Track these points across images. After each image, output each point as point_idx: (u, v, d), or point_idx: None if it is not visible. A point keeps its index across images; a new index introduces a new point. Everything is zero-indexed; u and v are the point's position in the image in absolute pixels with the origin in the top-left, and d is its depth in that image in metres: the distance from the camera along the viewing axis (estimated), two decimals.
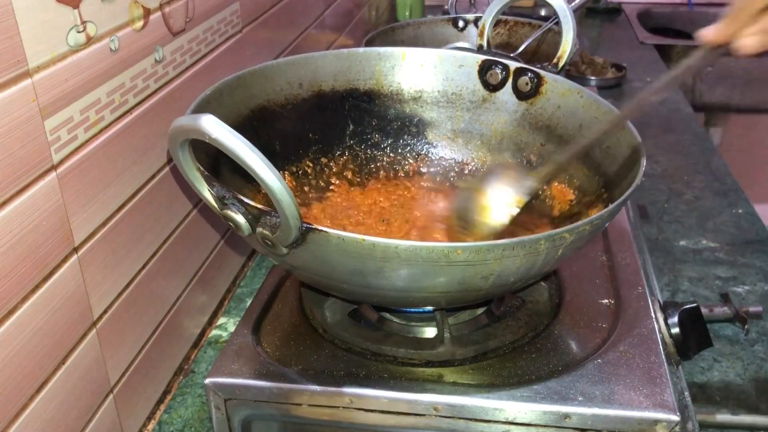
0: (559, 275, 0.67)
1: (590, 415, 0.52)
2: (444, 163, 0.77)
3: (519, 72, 0.73)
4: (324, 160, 0.74)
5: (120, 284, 0.60)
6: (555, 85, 0.71)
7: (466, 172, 0.76)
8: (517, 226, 0.67)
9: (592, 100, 0.67)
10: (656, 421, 0.51)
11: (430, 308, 0.62)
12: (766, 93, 1.82)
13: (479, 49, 0.92)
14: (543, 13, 1.81)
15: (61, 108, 0.50)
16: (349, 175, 0.75)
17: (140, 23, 0.59)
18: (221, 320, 0.80)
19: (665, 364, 0.56)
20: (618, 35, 1.86)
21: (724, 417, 0.67)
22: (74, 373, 0.54)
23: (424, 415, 0.54)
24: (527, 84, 0.72)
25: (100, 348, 0.57)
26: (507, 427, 0.53)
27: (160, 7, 0.62)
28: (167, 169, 0.66)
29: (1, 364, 0.46)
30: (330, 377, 0.56)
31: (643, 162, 0.56)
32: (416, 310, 0.63)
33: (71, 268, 0.53)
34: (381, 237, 0.46)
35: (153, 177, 0.64)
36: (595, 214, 0.50)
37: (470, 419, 0.54)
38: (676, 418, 0.51)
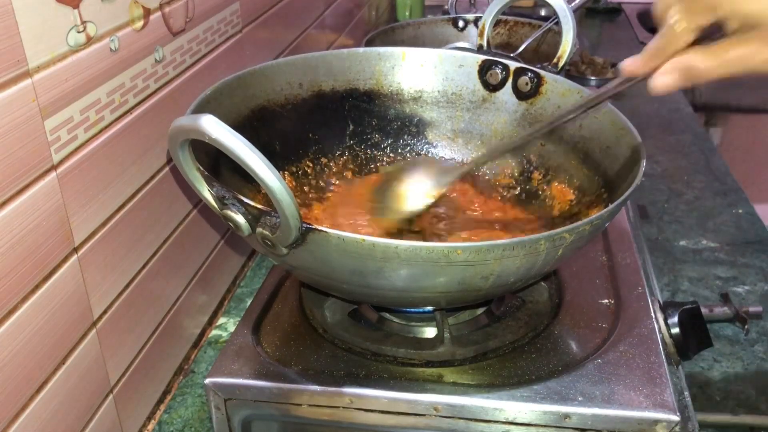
0: (559, 275, 0.67)
1: (590, 415, 0.52)
2: (444, 163, 0.77)
3: (519, 72, 0.73)
4: (324, 160, 0.74)
5: (120, 284, 0.60)
6: (555, 85, 0.71)
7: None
8: (510, 226, 0.67)
9: None
10: (656, 421, 0.51)
11: (430, 308, 0.62)
12: (766, 93, 1.82)
13: (479, 49, 0.92)
14: (543, 13, 1.81)
15: (61, 108, 0.50)
16: (349, 175, 0.75)
17: (140, 23, 0.59)
18: (221, 320, 0.80)
19: (665, 364, 0.56)
20: (618, 35, 1.86)
21: (724, 417, 0.67)
22: (74, 373, 0.54)
23: (424, 415, 0.54)
24: (527, 84, 0.72)
25: (100, 348, 0.57)
26: (507, 427, 0.53)
27: (160, 7, 0.62)
28: (167, 169, 0.66)
29: (1, 364, 0.46)
30: (330, 377, 0.56)
31: (643, 162, 0.56)
32: (416, 310, 0.63)
33: (71, 268, 0.53)
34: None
35: (153, 177, 0.64)
36: (595, 214, 0.50)
37: (470, 419, 0.54)
38: (676, 418, 0.51)
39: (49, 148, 0.49)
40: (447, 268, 0.48)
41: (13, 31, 0.44)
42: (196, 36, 0.70)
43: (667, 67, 0.46)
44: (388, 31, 1.19)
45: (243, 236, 0.49)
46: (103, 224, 0.57)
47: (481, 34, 0.93)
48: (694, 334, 0.63)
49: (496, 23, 1.21)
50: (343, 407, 0.55)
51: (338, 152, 0.75)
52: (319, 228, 0.46)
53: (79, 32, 0.51)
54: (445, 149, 0.77)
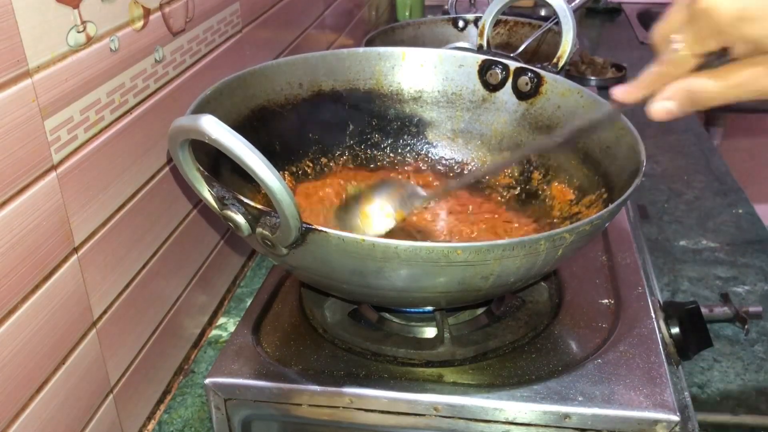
0: (559, 275, 0.67)
1: (590, 415, 0.52)
2: (444, 163, 0.77)
3: (519, 72, 0.73)
4: (324, 160, 0.74)
5: (120, 284, 0.60)
6: (555, 85, 0.71)
7: (466, 172, 0.76)
8: (514, 226, 0.67)
9: (592, 100, 0.67)
10: (656, 421, 0.51)
11: (430, 308, 0.62)
12: None
13: (479, 49, 0.92)
14: (543, 13, 1.81)
15: (61, 108, 0.50)
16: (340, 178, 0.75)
17: (140, 23, 0.59)
18: (221, 320, 0.80)
19: (665, 364, 0.56)
20: (618, 35, 1.86)
21: (724, 417, 0.67)
22: (74, 373, 0.54)
23: (424, 415, 0.54)
24: (527, 84, 0.72)
25: (100, 348, 0.57)
26: (507, 427, 0.53)
27: (160, 7, 0.62)
28: (167, 169, 0.66)
29: (1, 364, 0.46)
30: (330, 377, 0.56)
31: (643, 162, 0.56)
32: (416, 310, 0.63)
33: (71, 268, 0.53)
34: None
35: (153, 177, 0.64)
36: (595, 214, 0.50)
37: (470, 419, 0.54)
38: (676, 418, 0.51)
39: (49, 148, 0.49)
40: (447, 268, 0.48)
41: (13, 31, 0.44)
42: (196, 36, 0.70)
43: (669, 93, 0.44)
44: (388, 31, 1.19)
45: (243, 236, 0.49)
46: (103, 224, 0.57)
47: (481, 34, 0.93)
48: (694, 334, 0.63)
49: (496, 23, 1.21)
50: (343, 407, 0.55)
51: (338, 152, 0.75)
52: (319, 228, 0.46)
53: (79, 32, 0.51)
54: (445, 149, 0.77)
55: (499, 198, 0.73)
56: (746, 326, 0.75)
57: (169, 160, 0.66)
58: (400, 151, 0.77)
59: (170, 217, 0.68)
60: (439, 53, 0.76)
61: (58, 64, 0.49)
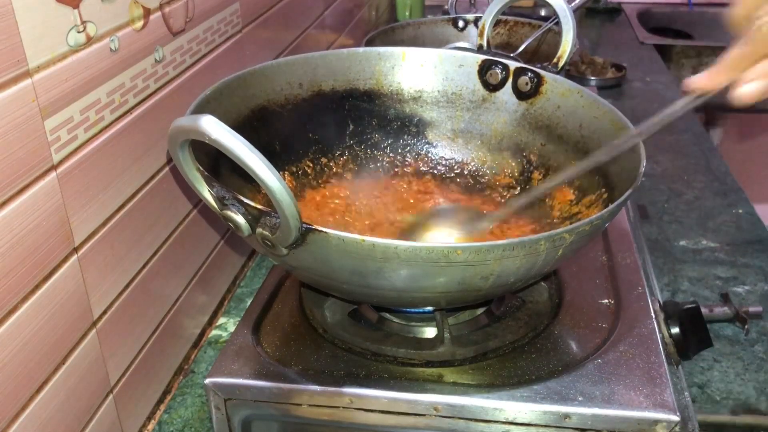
0: (559, 275, 0.67)
1: (590, 415, 0.52)
2: (444, 163, 0.77)
3: (519, 72, 0.73)
4: (324, 160, 0.74)
5: (120, 284, 0.60)
6: (555, 85, 0.71)
7: (466, 172, 0.76)
8: (514, 226, 0.67)
9: (592, 100, 0.67)
10: (656, 421, 0.51)
11: (430, 308, 0.62)
12: None
13: (479, 49, 0.92)
14: (543, 13, 1.81)
15: (61, 108, 0.50)
16: (349, 175, 0.75)
17: (140, 23, 0.59)
18: (221, 320, 0.80)
19: (665, 364, 0.56)
20: (618, 35, 1.86)
21: (724, 417, 0.67)
22: (74, 373, 0.54)
23: (424, 415, 0.54)
24: (527, 84, 0.72)
25: (100, 348, 0.57)
26: (507, 427, 0.53)
27: (160, 7, 0.62)
28: (167, 169, 0.66)
29: (1, 364, 0.46)
30: (330, 377, 0.56)
31: (643, 162, 0.56)
32: (416, 310, 0.63)
33: (71, 268, 0.53)
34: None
35: (153, 177, 0.64)
36: (595, 214, 0.50)
37: (470, 419, 0.54)
38: (676, 418, 0.51)
39: (49, 148, 0.49)
40: (447, 269, 0.48)
41: (13, 31, 0.44)
42: (196, 36, 0.70)
43: (755, 73, 0.43)
44: (388, 31, 1.19)
45: (243, 236, 0.49)
46: (103, 224, 0.57)
47: (481, 34, 0.92)
48: (694, 334, 0.63)
49: (496, 23, 1.21)
50: (343, 407, 0.55)
51: (338, 152, 0.75)
52: (319, 228, 0.46)
53: (79, 32, 0.51)
54: (445, 149, 0.77)
55: (499, 198, 0.73)
56: (746, 326, 0.75)
57: (169, 160, 0.66)
58: (400, 151, 0.77)
59: (170, 217, 0.68)
60: (439, 53, 0.76)
61: (58, 64, 0.49)
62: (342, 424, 0.56)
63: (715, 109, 1.86)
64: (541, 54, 1.15)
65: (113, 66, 0.56)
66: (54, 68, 0.49)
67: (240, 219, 0.48)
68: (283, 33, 0.97)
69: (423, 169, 0.77)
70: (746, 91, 0.44)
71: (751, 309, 0.75)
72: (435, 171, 0.77)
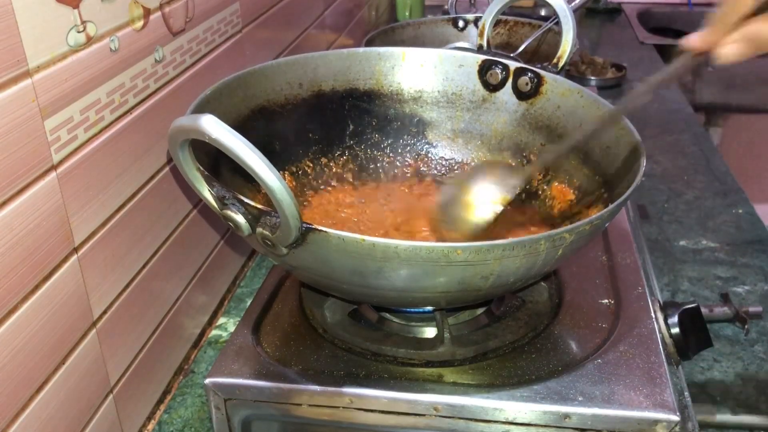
0: (559, 275, 0.67)
1: (590, 415, 0.52)
2: (444, 163, 0.77)
3: (519, 72, 0.73)
4: (324, 160, 0.74)
5: (120, 284, 0.60)
6: (555, 85, 0.71)
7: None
8: (514, 225, 0.67)
9: (592, 100, 0.67)
10: (656, 421, 0.51)
11: (430, 308, 0.62)
12: (766, 93, 1.82)
13: (479, 49, 0.92)
14: (543, 13, 1.81)
15: (61, 108, 0.50)
16: (349, 176, 0.75)
17: (140, 23, 0.59)
18: (221, 320, 0.80)
19: (665, 364, 0.56)
20: (618, 35, 1.86)
21: (724, 417, 0.67)
22: (74, 373, 0.54)
23: (424, 415, 0.54)
24: (527, 84, 0.72)
25: (100, 348, 0.57)
26: (507, 427, 0.53)
27: (160, 7, 0.62)
28: (167, 169, 0.66)
29: (1, 364, 0.46)
30: (330, 377, 0.56)
31: (643, 162, 0.56)
32: (416, 310, 0.63)
33: (71, 268, 0.53)
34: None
35: (153, 177, 0.64)
36: (595, 214, 0.50)
37: (470, 419, 0.54)
38: (676, 418, 0.51)
39: (49, 148, 0.49)
40: (447, 268, 0.48)
41: (13, 31, 0.44)
42: (196, 36, 0.70)
43: (735, 37, 0.45)
44: (388, 31, 1.19)
45: (243, 236, 0.49)
46: (103, 224, 0.57)
47: (481, 34, 0.93)
48: (694, 334, 0.63)
49: (496, 23, 1.21)
50: (343, 407, 0.55)
51: (338, 152, 0.75)
52: (319, 228, 0.46)
53: (79, 32, 0.51)
54: (445, 149, 0.77)
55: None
56: (746, 326, 0.75)
57: (169, 160, 0.66)
58: (400, 151, 0.77)
59: (170, 217, 0.68)
60: (439, 53, 0.76)
61: (58, 64, 0.49)
62: (342, 424, 0.56)
63: (715, 109, 1.86)
64: (541, 54, 1.15)
65: (113, 66, 0.56)
66: (54, 68, 0.49)
67: (240, 219, 0.48)
68: (283, 33, 0.97)
69: (423, 169, 0.77)
70: (725, 52, 0.46)
71: (751, 309, 0.75)
72: (435, 171, 0.77)
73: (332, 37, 1.24)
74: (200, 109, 0.59)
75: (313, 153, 0.73)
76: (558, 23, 0.82)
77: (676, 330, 0.63)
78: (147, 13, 0.60)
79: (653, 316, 0.61)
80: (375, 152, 0.77)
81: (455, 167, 0.77)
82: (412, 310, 0.64)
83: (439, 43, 1.22)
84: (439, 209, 0.65)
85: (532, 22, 1.22)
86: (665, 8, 2.05)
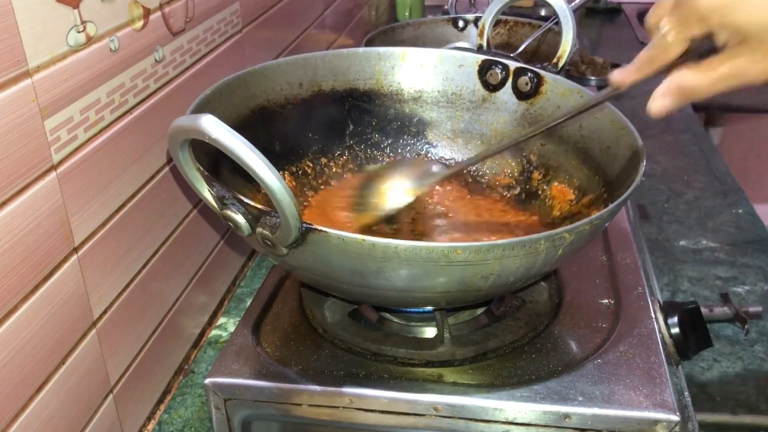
0: (559, 275, 0.67)
1: (590, 415, 0.52)
2: (444, 163, 0.77)
3: (519, 72, 0.73)
4: (324, 160, 0.74)
5: (120, 284, 0.60)
6: (555, 85, 0.71)
7: (466, 172, 0.76)
8: (511, 226, 0.67)
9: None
10: (656, 421, 0.51)
11: (430, 308, 0.62)
12: (766, 93, 1.82)
13: (479, 49, 0.92)
14: (543, 13, 1.81)
15: (61, 108, 0.50)
16: (349, 175, 0.75)
17: (140, 23, 0.59)
18: (221, 320, 0.80)
19: (665, 364, 0.56)
20: (618, 35, 1.86)
21: (724, 417, 0.67)
22: (74, 373, 0.54)
23: (424, 415, 0.54)
24: (527, 84, 0.72)
25: (100, 348, 0.57)
26: (507, 427, 0.53)
27: (160, 7, 0.62)
28: (167, 169, 0.66)
29: (1, 364, 0.46)
30: (330, 377, 0.56)
31: (643, 162, 0.56)
32: (416, 310, 0.63)
33: (71, 268, 0.53)
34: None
35: (153, 177, 0.64)
36: (595, 214, 0.50)
37: (470, 419, 0.54)
38: (676, 418, 0.51)
39: (49, 148, 0.49)
40: (447, 268, 0.48)
41: (13, 31, 0.44)
42: (196, 36, 0.70)
43: (662, 90, 0.46)
44: (388, 31, 1.19)
45: (243, 236, 0.49)
46: (103, 224, 0.57)
47: (481, 34, 0.93)
48: (694, 334, 0.63)
49: (496, 23, 1.21)
50: (343, 407, 0.55)
51: (338, 152, 0.75)
52: (319, 228, 0.46)
53: (79, 32, 0.51)
54: (445, 149, 0.77)
55: (499, 198, 0.73)
56: (746, 326, 0.75)
57: (169, 160, 0.66)
58: (400, 151, 0.77)
59: (170, 217, 0.68)
60: (439, 53, 0.76)
61: (58, 64, 0.49)
62: (342, 424, 0.56)
63: (715, 109, 1.86)
64: (541, 54, 1.15)
65: (113, 66, 0.56)
66: (54, 68, 0.49)
67: (240, 219, 0.48)
68: (283, 33, 0.97)
69: None
70: (656, 107, 0.47)
71: (751, 309, 0.75)
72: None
73: (332, 37, 1.24)
74: (200, 109, 0.59)
75: (313, 153, 0.73)
76: (558, 23, 0.82)
77: (676, 330, 0.63)
78: (147, 13, 0.60)
79: (653, 316, 0.61)
80: (375, 152, 0.77)
81: None
82: (412, 310, 0.64)
83: (439, 43, 1.22)
84: (355, 192, 0.66)
85: (532, 22, 1.22)
86: None
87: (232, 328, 0.78)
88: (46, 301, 0.50)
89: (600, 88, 1.44)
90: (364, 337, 0.60)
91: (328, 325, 0.62)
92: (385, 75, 0.76)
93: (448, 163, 0.77)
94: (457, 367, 0.57)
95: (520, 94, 0.73)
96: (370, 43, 1.12)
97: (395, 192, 0.63)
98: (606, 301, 0.64)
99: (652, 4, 0.47)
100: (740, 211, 1.02)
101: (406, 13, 1.70)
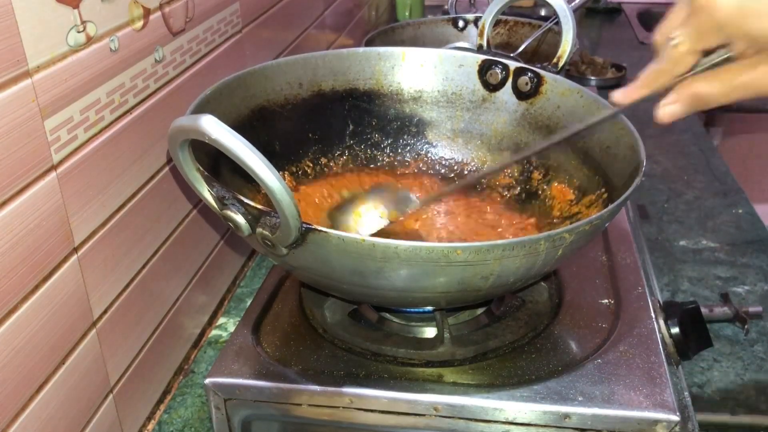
0: (559, 275, 0.67)
1: (590, 415, 0.52)
2: (444, 163, 0.77)
3: (519, 72, 0.73)
4: (324, 160, 0.74)
5: (120, 284, 0.60)
6: (555, 85, 0.71)
7: (466, 172, 0.76)
8: (511, 226, 0.67)
9: (592, 100, 0.67)
10: (656, 421, 0.51)
11: (430, 308, 0.62)
12: None
13: (479, 49, 0.92)
14: (543, 13, 1.81)
15: (61, 108, 0.50)
16: (349, 175, 0.75)
17: (140, 23, 0.59)
18: (221, 320, 0.80)
19: (665, 364, 0.56)
20: (618, 35, 1.86)
21: (724, 417, 0.67)
22: (74, 373, 0.54)
23: (424, 415, 0.54)
24: (527, 84, 0.72)
25: (100, 348, 0.57)
26: (507, 427, 0.53)
27: (160, 6, 0.62)
28: (167, 169, 0.66)
29: (1, 364, 0.46)
30: (330, 377, 0.56)
31: (643, 162, 0.56)
32: (416, 310, 0.63)
33: (71, 268, 0.53)
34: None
35: (153, 177, 0.64)
36: (595, 214, 0.50)
37: (470, 419, 0.54)
38: (676, 418, 0.51)
39: (49, 148, 0.49)
40: (447, 268, 0.48)
41: (13, 31, 0.44)
42: (196, 36, 0.70)
43: (673, 97, 0.46)
44: (388, 31, 1.19)
45: (243, 236, 0.49)
46: (103, 224, 0.57)
47: (481, 34, 0.93)
48: (694, 334, 0.63)
49: (496, 23, 1.21)
50: (343, 407, 0.55)
51: (338, 152, 0.75)
52: (319, 228, 0.46)
53: (79, 32, 0.51)
54: (445, 149, 0.77)
55: (499, 198, 0.73)
56: (746, 326, 0.75)
57: (169, 160, 0.66)
58: (400, 151, 0.77)
59: (170, 217, 0.68)
60: (439, 53, 0.76)
61: (58, 64, 0.49)
62: (342, 424, 0.56)
63: (715, 109, 1.86)
64: (541, 54, 1.15)
65: (113, 66, 0.56)
66: (54, 68, 0.49)
67: (240, 219, 0.48)
68: (283, 33, 0.97)
69: (423, 168, 0.77)
70: (665, 112, 0.46)
71: (751, 309, 0.75)
72: (434, 171, 0.77)
73: (332, 37, 1.24)
74: (200, 109, 0.59)
75: (313, 153, 0.73)
76: (558, 23, 0.82)
77: (676, 330, 0.63)
78: (147, 13, 0.60)
79: (653, 316, 0.61)
80: (375, 152, 0.77)
81: (455, 167, 0.77)
82: (412, 310, 0.64)
83: (439, 43, 1.22)
84: (329, 215, 0.66)
85: (532, 22, 1.22)
86: (665, 8, 2.04)
87: (232, 328, 0.78)
88: (46, 301, 0.50)
89: (600, 88, 1.44)
90: (364, 337, 0.60)
91: (328, 325, 0.62)
92: (385, 75, 0.76)
93: (447, 163, 0.77)
94: (457, 367, 0.57)
95: (520, 94, 0.73)
96: (370, 43, 1.12)
97: (370, 214, 0.63)
98: (606, 301, 0.64)
99: (652, 4, 0.47)
100: (740, 211, 1.02)
101: (406, 13, 1.70)
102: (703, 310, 0.66)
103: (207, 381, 0.56)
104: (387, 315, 0.64)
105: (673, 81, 0.46)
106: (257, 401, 0.56)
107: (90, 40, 0.53)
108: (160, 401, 0.68)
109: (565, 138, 0.60)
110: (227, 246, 0.82)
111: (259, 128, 0.68)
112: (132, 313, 0.62)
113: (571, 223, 0.49)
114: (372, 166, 0.76)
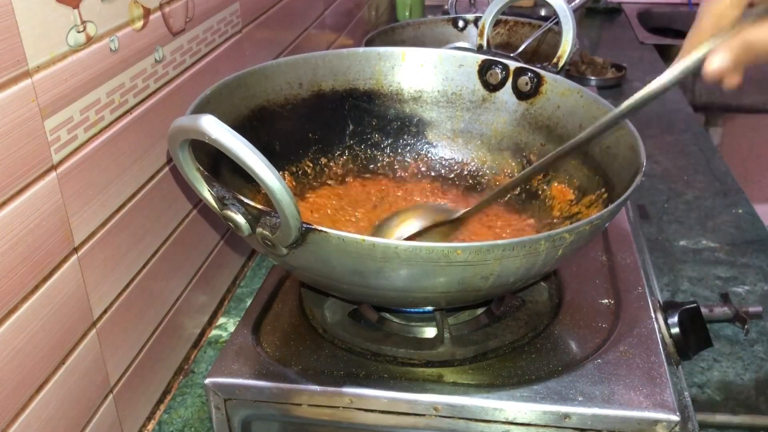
0: (559, 275, 0.67)
1: (590, 415, 0.52)
2: (444, 163, 0.77)
3: (519, 72, 0.73)
4: (324, 160, 0.74)
5: (120, 284, 0.60)
6: (555, 85, 0.71)
7: (466, 172, 0.76)
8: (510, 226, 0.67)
9: (592, 100, 0.67)
10: (656, 421, 0.51)
11: (430, 308, 0.62)
12: (766, 93, 1.82)
13: (479, 49, 0.92)
14: (543, 13, 1.81)
15: (61, 108, 0.50)
16: (350, 177, 0.75)
17: (140, 23, 0.59)
18: (221, 320, 0.80)
19: (665, 364, 0.56)
20: (618, 35, 1.86)
21: (724, 417, 0.67)
22: (74, 373, 0.54)
23: (424, 415, 0.54)
24: (527, 84, 0.72)
25: (100, 348, 0.57)
26: (507, 427, 0.53)
27: (160, 6, 0.62)
28: (167, 169, 0.66)
29: (1, 364, 0.46)
30: (330, 377, 0.56)
31: (643, 162, 0.56)
32: (416, 310, 0.63)
33: (71, 268, 0.53)
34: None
35: (153, 177, 0.64)
36: (595, 214, 0.50)
37: (470, 419, 0.54)
38: (676, 418, 0.51)
39: (49, 148, 0.49)
40: (447, 268, 0.48)
41: (13, 31, 0.44)
42: (196, 36, 0.70)
43: (722, 48, 0.43)
44: (388, 31, 1.19)
45: (243, 236, 0.49)
46: (103, 224, 0.57)
47: (481, 34, 0.92)
48: (694, 334, 0.63)
49: (496, 23, 1.21)
50: (343, 407, 0.55)
51: (338, 152, 0.75)
52: (319, 228, 0.46)
53: (79, 32, 0.51)
54: (445, 149, 0.77)
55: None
56: (746, 326, 0.75)
57: (169, 160, 0.66)
58: (400, 151, 0.77)
59: (170, 217, 0.68)
60: (439, 53, 0.76)
61: (58, 64, 0.49)
62: (342, 424, 0.56)
63: (715, 109, 1.86)
64: (541, 54, 1.15)
65: (113, 66, 0.56)
66: (54, 68, 0.49)
67: (240, 219, 0.48)
68: (283, 33, 0.97)
69: (423, 169, 0.77)
70: (713, 63, 0.44)
71: (751, 309, 0.75)
72: (435, 171, 0.77)
73: (332, 37, 1.24)
74: (200, 109, 0.59)
75: (313, 153, 0.73)
76: (558, 23, 0.82)
77: (676, 330, 0.63)
78: (147, 13, 0.60)
79: (653, 316, 0.61)
80: (375, 152, 0.77)
81: (455, 167, 0.77)
82: (412, 310, 0.64)
83: (439, 43, 1.22)
84: (376, 226, 0.67)
85: (532, 22, 1.22)
86: (665, 8, 2.05)
87: (232, 328, 0.78)
88: (46, 301, 0.50)
89: (600, 88, 1.44)
90: (364, 337, 0.60)
91: (328, 325, 0.62)
92: (385, 75, 0.76)
93: (447, 163, 0.77)
94: (457, 367, 0.57)
95: (520, 94, 0.73)
96: (370, 43, 1.12)
97: (405, 229, 0.64)
98: (606, 301, 0.64)
99: (653, 4, 0.46)
100: (740, 211, 1.02)
101: (406, 13, 1.70)
102: (703, 310, 0.66)
103: (207, 381, 0.56)
104: (387, 315, 0.64)
105: (719, 35, 0.44)
106: (257, 401, 0.56)
107: (90, 40, 0.53)
108: (160, 401, 0.68)
109: (584, 141, 0.59)
110: (227, 246, 0.82)
111: (259, 128, 0.68)
112: (132, 313, 0.62)
113: (571, 224, 0.49)
114: (372, 166, 0.76)
